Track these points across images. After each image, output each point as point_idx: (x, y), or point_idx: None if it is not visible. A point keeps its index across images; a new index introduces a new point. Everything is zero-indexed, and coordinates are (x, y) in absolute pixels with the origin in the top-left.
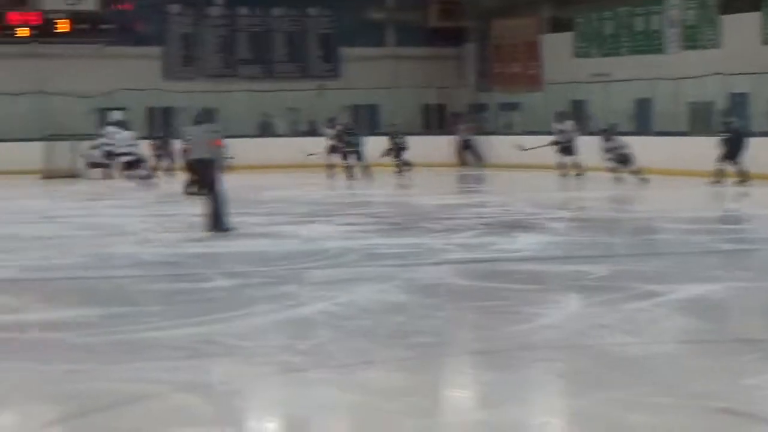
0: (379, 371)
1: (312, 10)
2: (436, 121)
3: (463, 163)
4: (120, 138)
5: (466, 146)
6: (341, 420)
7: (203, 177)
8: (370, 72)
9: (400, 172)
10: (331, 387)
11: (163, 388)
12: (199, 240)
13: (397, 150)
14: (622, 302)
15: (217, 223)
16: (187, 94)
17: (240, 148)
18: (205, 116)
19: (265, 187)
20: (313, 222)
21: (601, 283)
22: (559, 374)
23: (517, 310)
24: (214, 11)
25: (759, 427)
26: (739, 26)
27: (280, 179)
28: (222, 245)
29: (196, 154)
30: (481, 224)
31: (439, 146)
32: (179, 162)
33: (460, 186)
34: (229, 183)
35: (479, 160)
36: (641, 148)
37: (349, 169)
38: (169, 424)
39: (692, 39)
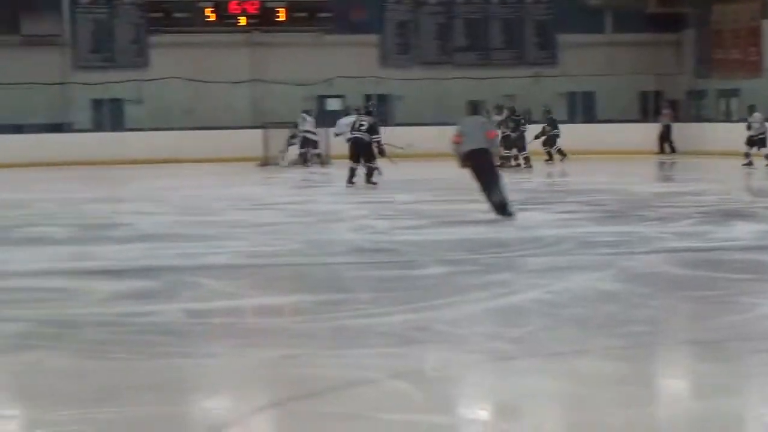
0: (592, 360)
1: None
2: (652, 108)
3: (660, 150)
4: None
5: (666, 134)
6: (552, 408)
7: (480, 167)
8: (586, 59)
9: (550, 159)
10: (542, 375)
11: (376, 374)
12: (413, 228)
13: (550, 138)
14: None
15: (504, 209)
16: (403, 82)
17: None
18: (476, 108)
19: None
20: (527, 210)
21: None
22: None
23: (734, 299)
24: None
25: None
26: None
27: None
28: (436, 232)
29: (471, 145)
30: (698, 213)
31: (653, 134)
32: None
33: (672, 173)
34: (447, 171)
35: (671, 149)
36: None
37: (508, 159)
38: (382, 410)
39: None
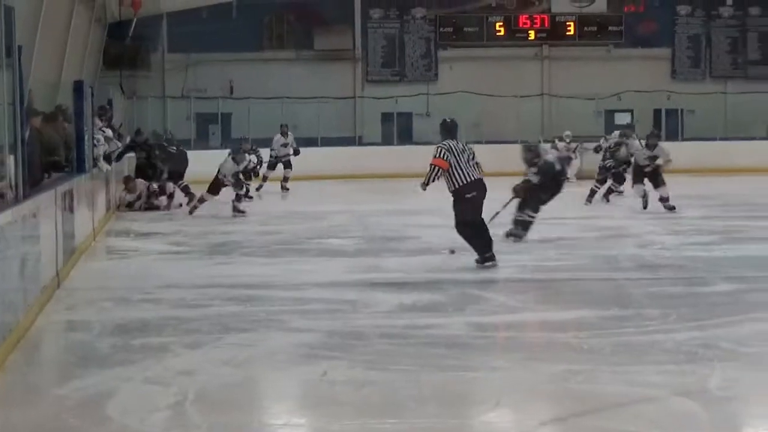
0: None
1: None
2: None
3: None
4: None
5: None
6: None
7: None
8: None
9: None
10: None
11: (659, 392)
12: (702, 243)
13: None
14: None
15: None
16: (694, 96)
17: (747, 150)
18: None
19: None
20: None
21: None
22: None
23: None
24: (725, 11)
25: None
26: None
27: None
28: (724, 249)
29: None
30: None
31: None
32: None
33: None
34: (733, 186)
35: None
36: None
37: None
38: (665, 428)
39: None
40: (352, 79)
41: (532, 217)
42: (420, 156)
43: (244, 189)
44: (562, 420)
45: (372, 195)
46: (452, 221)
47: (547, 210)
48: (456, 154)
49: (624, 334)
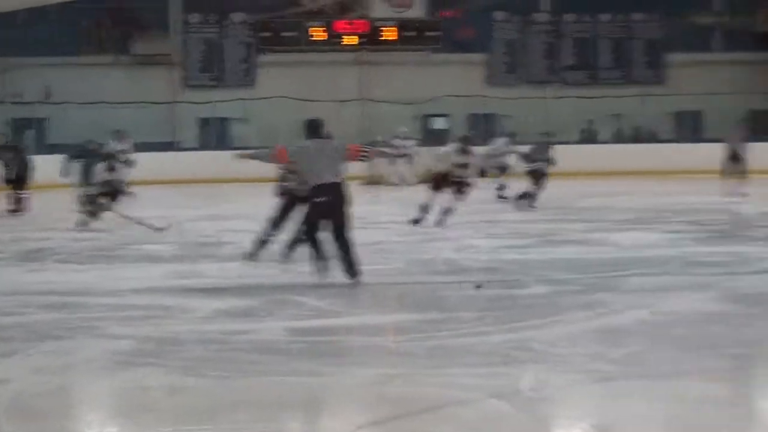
0: (693, 382)
1: (638, 16)
2: (762, 127)
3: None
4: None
5: (733, 155)
6: (653, 431)
7: (332, 208)
8: (694, 78)
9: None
10: (642, 397)
11: (474, 394)
12: (518, 246)
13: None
14: None
15: (352, 267)
16: (509, 101)
17: (563, 155)
18: (318, 129)
19: (585, 194)
20: (632, 230)
21: None
22: None
23: None
24: (540, 18)
25: None
26: None
27: (601, 186)
28: (539, 252)
29: (321, 178)
30: None
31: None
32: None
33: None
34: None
35: (739, 170)
36: None
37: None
38: (478, 429)
39: None
40: (170, 83)
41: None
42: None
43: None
44: (378, 424)
45: (189, 200)
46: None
47: (366, 215)
48: (310, 155)
49: (440, 338)
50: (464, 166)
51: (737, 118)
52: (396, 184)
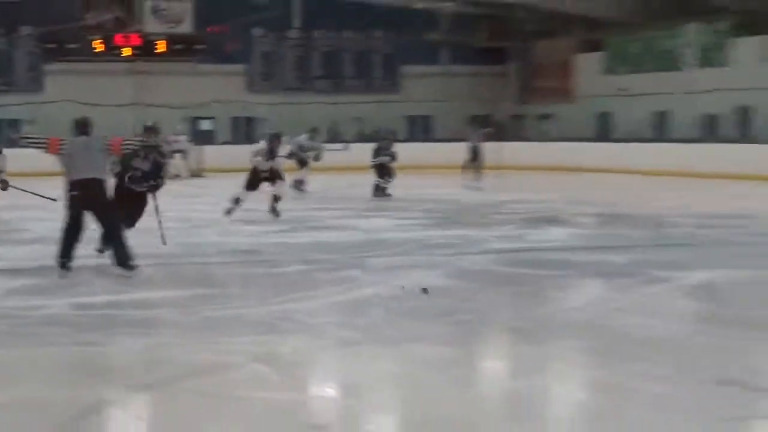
0: (426, 346)
1: (376, 33)
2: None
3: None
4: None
5: (473, 153)
6: (391, 387)
7: (93, 202)
8: (425, 87)
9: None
10: (383, 359)
11: (239, 358)
12: (281, 231)
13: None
14: (638, 287)
15: (126, 261)
16: (267, 106)
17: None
18: (85, 126)
19: (340, 186)
20: (374, 217)
21: (620, 270)
22: (582, 349)
23: (546, 293)
24: (292, 33)
25: (763, 399)
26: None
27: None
28: (297, 236)
29: (81, 173)
30: (519, 219)
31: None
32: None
33: (495, 185)
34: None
35: (476, 166)
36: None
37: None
38: (243, 389)
39: (706, 58)
40: None
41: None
42: (29, 157)
43: None
44: (152, 386)
45: None
46: (55, 216)
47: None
48: (77, 150)
49: (209, 311)
50: (272, 160)
51: (469, 122)
52: (172, 177)
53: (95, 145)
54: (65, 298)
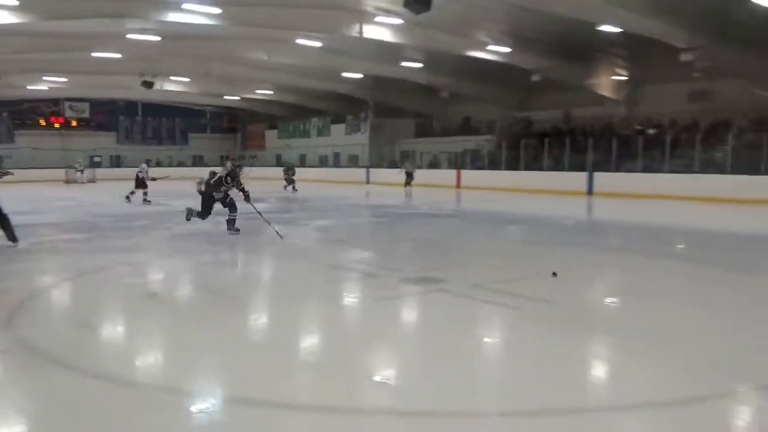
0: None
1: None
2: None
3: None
4: None
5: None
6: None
7: None
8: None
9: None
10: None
11: (115, 263)
12: (139, 211)
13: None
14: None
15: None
16: (129, 151)
17: None
18: None
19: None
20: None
21: None
22: None
23: None
24: (138, 118)
25: None
26: None
27: None
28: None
29: None
30: None
31: None
32: None
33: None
34: None
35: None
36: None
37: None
38: (115, 279)
39: (321, 132)
40: None
41: None
42: None
43: None
44: (68, 279)
45: None
46: None
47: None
48: None
49: (97, 243)
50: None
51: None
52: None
53: None
54: None
